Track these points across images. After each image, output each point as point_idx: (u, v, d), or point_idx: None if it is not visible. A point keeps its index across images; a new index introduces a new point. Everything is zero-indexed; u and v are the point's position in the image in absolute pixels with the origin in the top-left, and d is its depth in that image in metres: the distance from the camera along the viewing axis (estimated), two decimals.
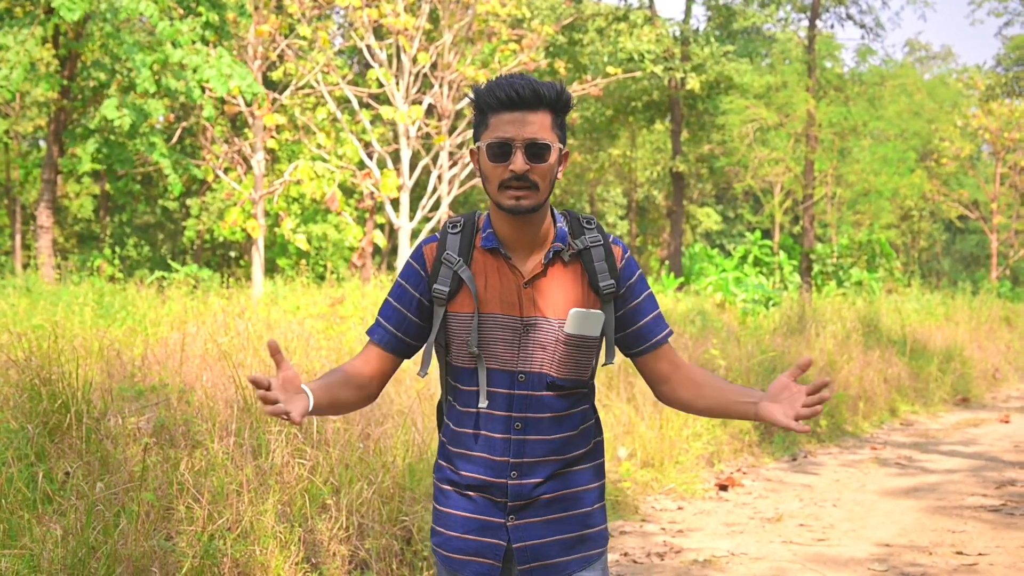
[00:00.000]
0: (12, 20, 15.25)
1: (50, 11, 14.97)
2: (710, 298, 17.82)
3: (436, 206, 18.35)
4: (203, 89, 15.15)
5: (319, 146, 18.39)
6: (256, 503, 4.49)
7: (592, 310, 2.44)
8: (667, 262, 28.16)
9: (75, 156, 19.68)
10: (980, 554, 5.71)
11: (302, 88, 17.67)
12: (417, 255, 2.52)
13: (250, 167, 17.17)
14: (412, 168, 17.10)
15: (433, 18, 18.61)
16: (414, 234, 16.85)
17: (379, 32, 18.09)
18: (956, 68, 47.67)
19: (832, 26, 33.50)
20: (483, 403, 2.44)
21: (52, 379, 4.86)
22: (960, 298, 19.72)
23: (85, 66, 19.68)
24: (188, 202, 29.13)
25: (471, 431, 2.47)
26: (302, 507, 4.71)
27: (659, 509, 6.83)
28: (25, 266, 23.38)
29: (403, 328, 2.51)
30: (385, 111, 15.50)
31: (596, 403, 2.62)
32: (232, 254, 31.81)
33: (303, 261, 18.57)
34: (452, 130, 16.90)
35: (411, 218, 16.22)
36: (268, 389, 2.24)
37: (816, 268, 27.32)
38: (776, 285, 25.51)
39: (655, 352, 2.56)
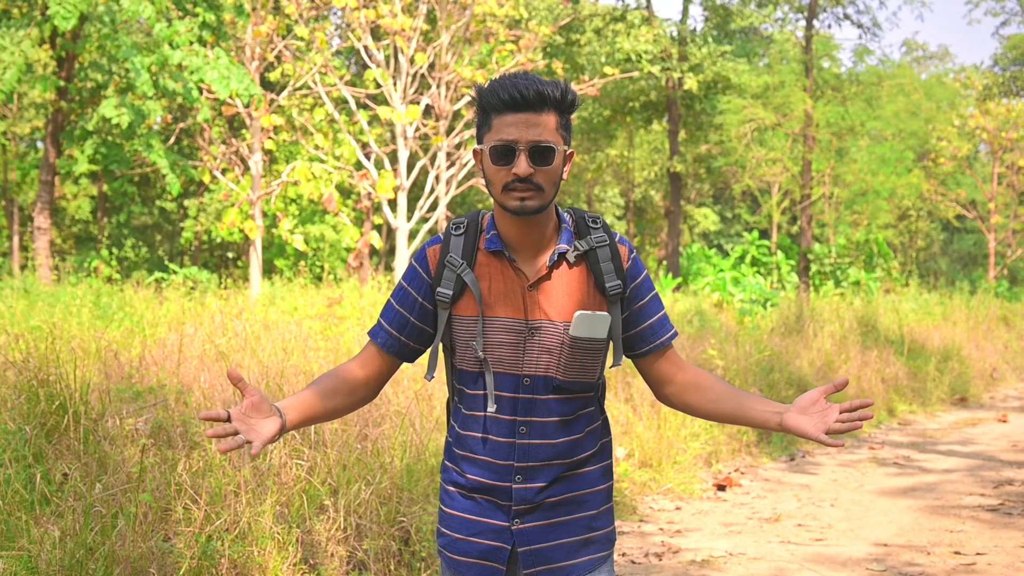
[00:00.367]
0: (9, 21, 15.24)
1: (47, 13, 14.96)
2: (708, 298, 17.82)
3: (434, 207, 18.35)
4: (200, 90, 15.15)
5: (316, 147, 18.40)
6: (254, 504, 4.49)
7: (598, 312, 2.40)
8: (665, 262, 28.17)
9: (72, 157, 19.68)
10: (978, 554, 5.72)
11: (300, 89, 17.67)
12: (420, 257, 2.49)
13: (247, 168, 17.18)
14: (409, 169, 17.11)
15: (430, 19, 18.62)
16: (411, 235, 16.87)
17: (376, 33, 18.11)
18: (953, 68, 47.72)
19: (829, 26, 33.50)
20: (491, 407, 2.40)
21: (50, 380, 4.85)
22: (958, 298, 19.73)
23: (82, 67, 19.68)
24: (186, 203, 29.12)
25: (476, 434, 2.45)
26: (300, 508, 4.71)
27: (657, 509, 6.83)
28: (23, 267, 23.37)
29: (405, 331, 2.49)
30: (383, 112, 15.49)
31: (604, 403, 2.60)
32: (230, 255, 31.80)
33: (302, 262, 18.57)
34: (450, 131, 16.90)
35: (408, 219, 16.21)
36: (229, 420, 2.27)
37: (814, 268, 27.35)
38: (774, 285, 25.53)
39: (659, 354, 2.53)
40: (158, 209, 31.61)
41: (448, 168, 16.64)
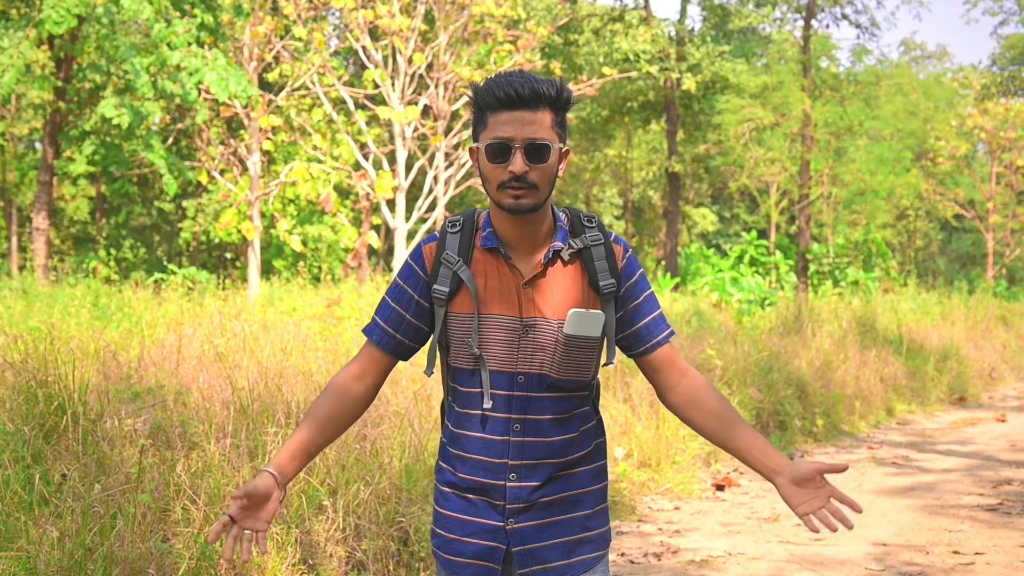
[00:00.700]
0: (7, 22, 15.22)
1: (42, 15, 14.95)
2: (706, 298, 17.83)
3: (432, 207, 18.35)
4: (199, 91, 15.13)
5: (315, 147, 18.40)
6: None
7: (592, 310, 2.40)
8: (663, 262, 28.17)
9: (71, 158, 19.67)
10: (977, 553, 5.72)
11: (298, 89, 17.66)
12: (416, 255, 2.49)
13: (246, 168, 17.16)
14: (408, 169, 17.09)
15: (429, 19, 18.61)
16: (410, 235, 16.85)
17: (375, 33, 18.10)
18: (951, 67, 47.77)
19: (828, 26, 33.51)
20: (487, 404, 2.41)
21: (48, 381, 4.85)
22: (956, 297, 19.75)
23: (81, 68, 19.68)
24: (184, 204, 29.12)
25: (470, 432, 2.45)
26: (299, 508, 4.70)
27: (656, 509, 6.83)
28: (21, 268, 23.35)
29: (400, 329, 2.49)
30: (381, 112, 15.49)
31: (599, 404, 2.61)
32: (228, 256, 31.80)
33: (300, 262, 18.57)
34: (448, 131, 16.90)
35: (407, 219, 16.21)
36: (233, 521, 2.38)
37: (812, 268, 27.37)
38: (772, 285, 25.53)
39: (655, 353, 2.53)
40: (156, 210, 31.61)
41: (446, 168, 16.63)
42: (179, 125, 20.59)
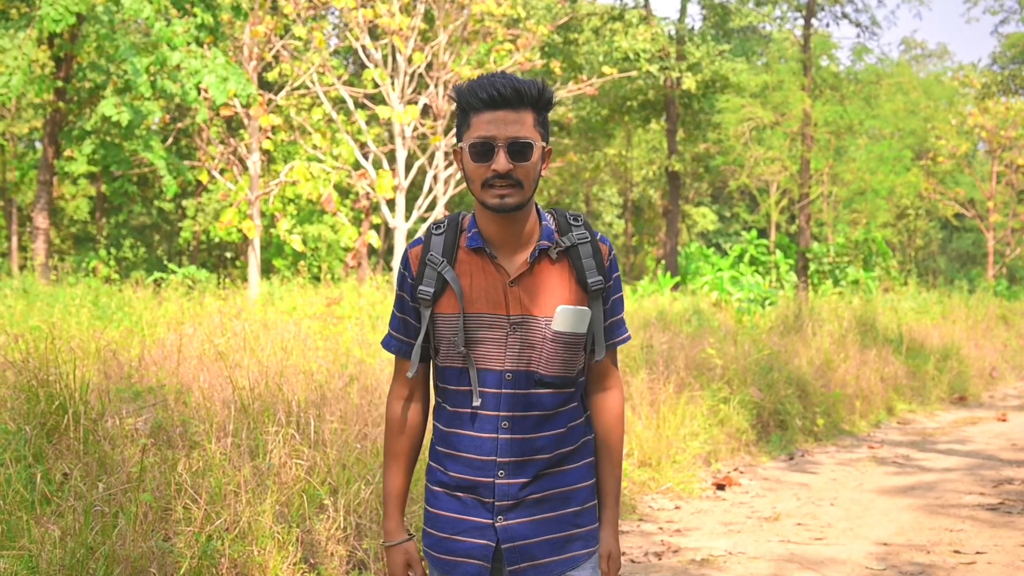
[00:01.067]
0: (7, 22, 15.21)
1: (40, 13, 14.94)
2: (706, 297, 17.83)
3: (432, 206, 18.36)
4: (199, 91, 15.12)
5: (315, 147, 18.40)
6: (254, 503, 4.49)
7: (579, 307, 2.45)
8: (663, 261, 28.17)
9: (71, 158, 19.65)
10: (978, 553, 5.72)
11: (298, 89, 17.66)
12: (404, 260, 2.55)
13: (246, 168, 17.16)
14: (408, 168, 17.09)
15: (428, 18, 18.61)
16: (410, 234, 16.85)
17: (374, 32, 18.10)
18: (952, 66, 47.74)
19: (828, 25, 33.52)
20: (476, 402, 2.44)
21: (49, 380, 4.85)
22: (957, 296, 19.74)
23: (80, 68, 19.66)
24: (184, 203, 29.10)
25: (459, 431, 2.48)
26: (300, 507, 4.71)
27: (657, 508, 6.83)
28: (21, 268, 23.35)
29: (411, 335, 2.55)
30: (381, 111, 15.49)
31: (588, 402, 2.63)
32: (228, 255, 31.79)
33: (300, 261, 18.56)
34: (448, 130, 16.89)
35: (407, 218, 16.21)
36: None
37: (812, 267, 27.35)
38: (772, 284, 25.53)
39: (608, 354, 2.60)
40: (156, 209, 31.59)
41: (446, 167, 16.63)
42: (179, 124, 20.57)
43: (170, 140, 20.03)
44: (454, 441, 2.49)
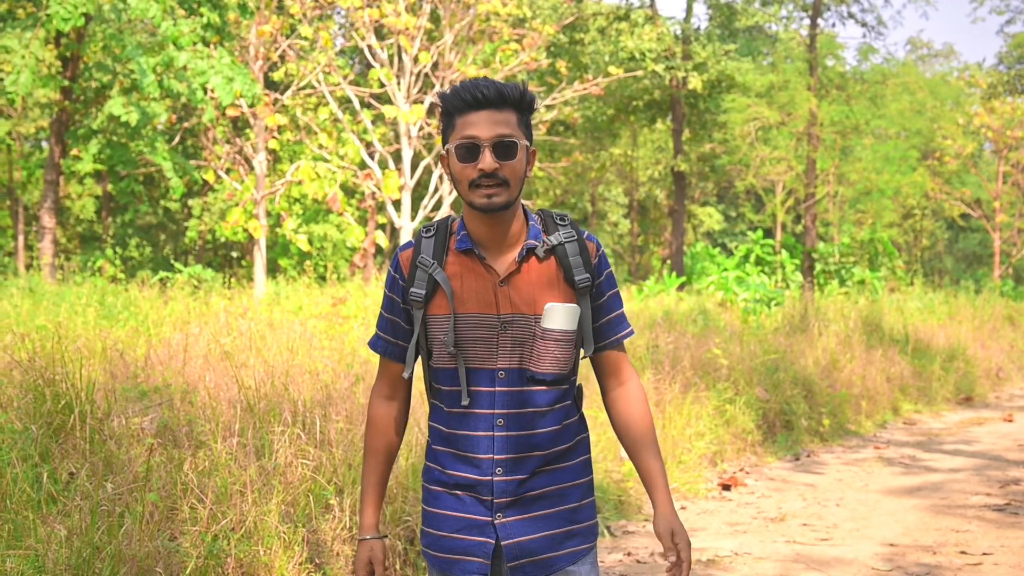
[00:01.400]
0: (14, 22, 15.23)
1: (48, 12, 14.95)
2: (712, 297, 17.82)
3: (438, 206, 18.35)
4: (205, 90, 15.13)
5: (321, 146, 18.39)
6: (260, 503, 4.49)
7: (568, 304, 2.49)
8: (669, 261, 28.15)
9: (77, 157, 19.68)
10: (985, 553, 5.71)
11: (303, 88, 17.67)
12: (394, 263, 2.59)
13: (252, 167, 17.17)
14: (414, 168, 17.08)
15: (434, 18, 18.60)
16: (415, 234, 16.80)
17: (380, 32, 18.09)
18: (958, 66, 47.64)
19: (834, 25, 33.49)
20: (464, 401, 2.48)
21: (56, 380, 4.86)
22: (963, 297, 19.70)
23: (87, 67, 19.70)
24: (190, 203, 29.14)
25: (455, 431, 2.51)
26: (306, 507, 4.71)
27: None
28: (28, 267, 23.40)
29: (398, 336, 2.59)
30: (387, 111, 15.50)
31: (583, 405, 2.69)
32: (234, 254, 31.83)
33: (306, 261, 18.56)
34: None
35: (413, 218, 16.22)
36: None
37: (818, 267, 27.30)
38: (778, 284, 25.49)
39: (607, 353, 2.62)
40: (162, 209, 31.64)
41: None
42: (185, 124, 20.60)
43: (176, 140, 20.04)
44: (452, 440, 2.52)
